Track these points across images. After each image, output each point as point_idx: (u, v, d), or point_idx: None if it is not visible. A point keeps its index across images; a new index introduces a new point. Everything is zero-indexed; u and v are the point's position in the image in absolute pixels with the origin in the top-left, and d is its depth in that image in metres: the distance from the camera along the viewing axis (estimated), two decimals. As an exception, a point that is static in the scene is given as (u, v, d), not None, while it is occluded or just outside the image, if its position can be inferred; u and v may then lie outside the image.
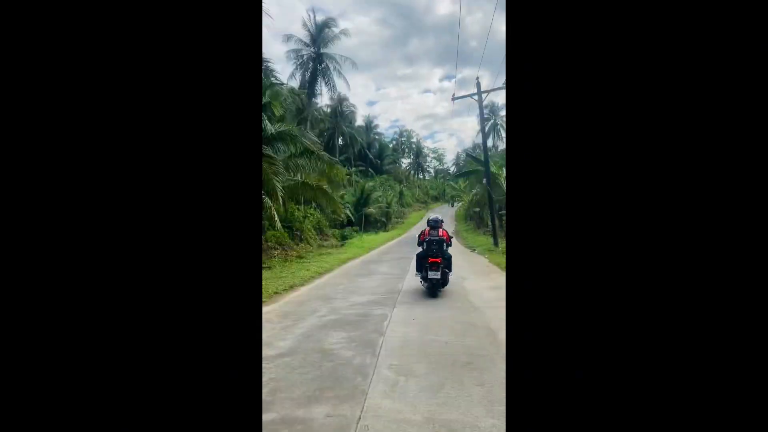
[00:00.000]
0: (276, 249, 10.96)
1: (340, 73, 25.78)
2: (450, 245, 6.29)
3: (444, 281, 5.92)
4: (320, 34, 25.59)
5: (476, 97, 13.63)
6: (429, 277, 5.81)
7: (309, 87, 25.47)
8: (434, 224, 6.25)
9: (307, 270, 8.19)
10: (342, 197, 19.11)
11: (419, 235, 6.51)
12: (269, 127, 9.84)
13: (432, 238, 6.05)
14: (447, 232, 6.39)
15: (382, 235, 20.94)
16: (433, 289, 5.86)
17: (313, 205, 14.93)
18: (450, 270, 6.09)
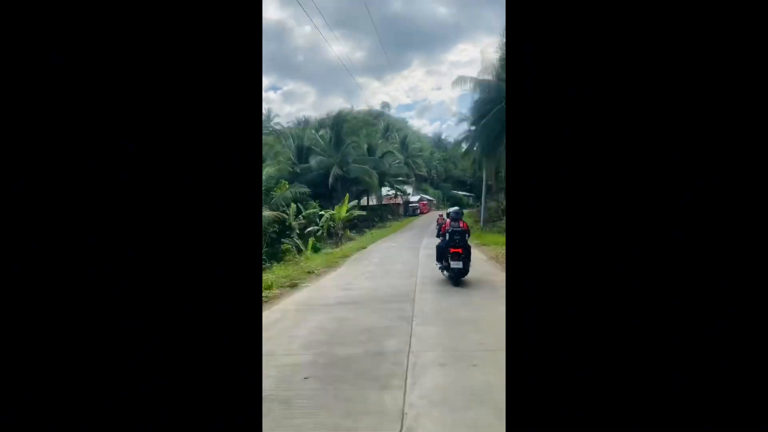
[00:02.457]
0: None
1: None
2: (469, 236, 6.55)
3: (465, 271, 6.15)
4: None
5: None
6: (451, 266, 6.05)
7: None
8: (455, 216, 6.50)
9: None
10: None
11: (440, 227, 6.89)
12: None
13: (454, 229, 6.25)
14: (467, 223, 6.66)
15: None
16: (456, 278, 6.08)
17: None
18: (470, 260, 6.30)
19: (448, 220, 6.55)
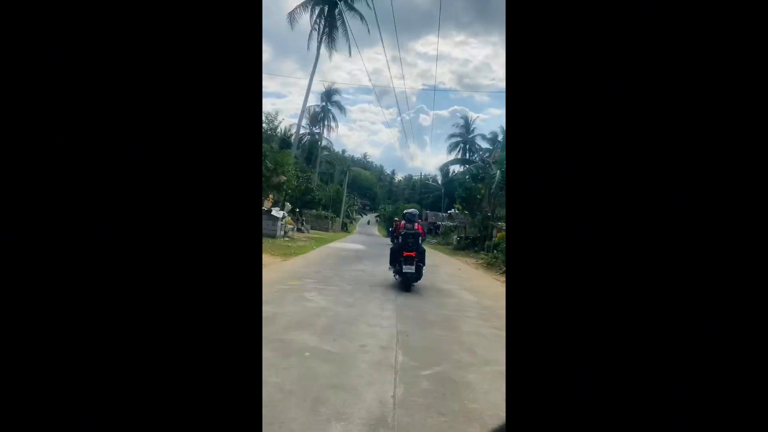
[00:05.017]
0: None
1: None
2: (424, 240, 6.45)
3: (418, 275, 6.02)
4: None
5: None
6: (403, 270, 5.88)
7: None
8: (411, 218, 6.27)
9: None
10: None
11: (393, 229, 6.68)
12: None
13: (408, 231, 6.09)
14: (422, 226, 6.48)
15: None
16: (407, 283, 5.94)
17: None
18: (423, 264, 6.16)
19: (402, 222, 6.36)
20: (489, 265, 11.66)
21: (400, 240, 6.17)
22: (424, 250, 6.23)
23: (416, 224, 6.22)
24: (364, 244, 19.39)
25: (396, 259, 6.19)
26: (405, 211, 6.67)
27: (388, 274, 6.76)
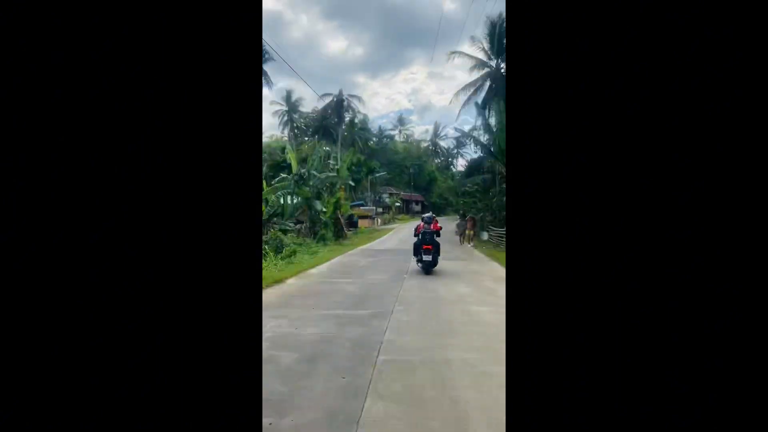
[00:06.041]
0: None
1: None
2: (439, 236, 8.64)
3: (434, 262, 8.14)
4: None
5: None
6: (423, 259, 8.03)
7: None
8: (428, 220, 8.74)
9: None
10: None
11: (415, 229, 8.85)
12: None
13: (426, 230, 8.29)
14: (437, 225, 8.87)
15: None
16: (427, 268, 8.08)
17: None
18: (438, 254, 8.29)
19: (422, 223, 8.66)
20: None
21: (420, 237, 8.25)
22: (438, 244, 8.30)
23: (432, 225, 8.37)
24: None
25: (418, 251, 8.25)
26: (423, 216, 8.93)
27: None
